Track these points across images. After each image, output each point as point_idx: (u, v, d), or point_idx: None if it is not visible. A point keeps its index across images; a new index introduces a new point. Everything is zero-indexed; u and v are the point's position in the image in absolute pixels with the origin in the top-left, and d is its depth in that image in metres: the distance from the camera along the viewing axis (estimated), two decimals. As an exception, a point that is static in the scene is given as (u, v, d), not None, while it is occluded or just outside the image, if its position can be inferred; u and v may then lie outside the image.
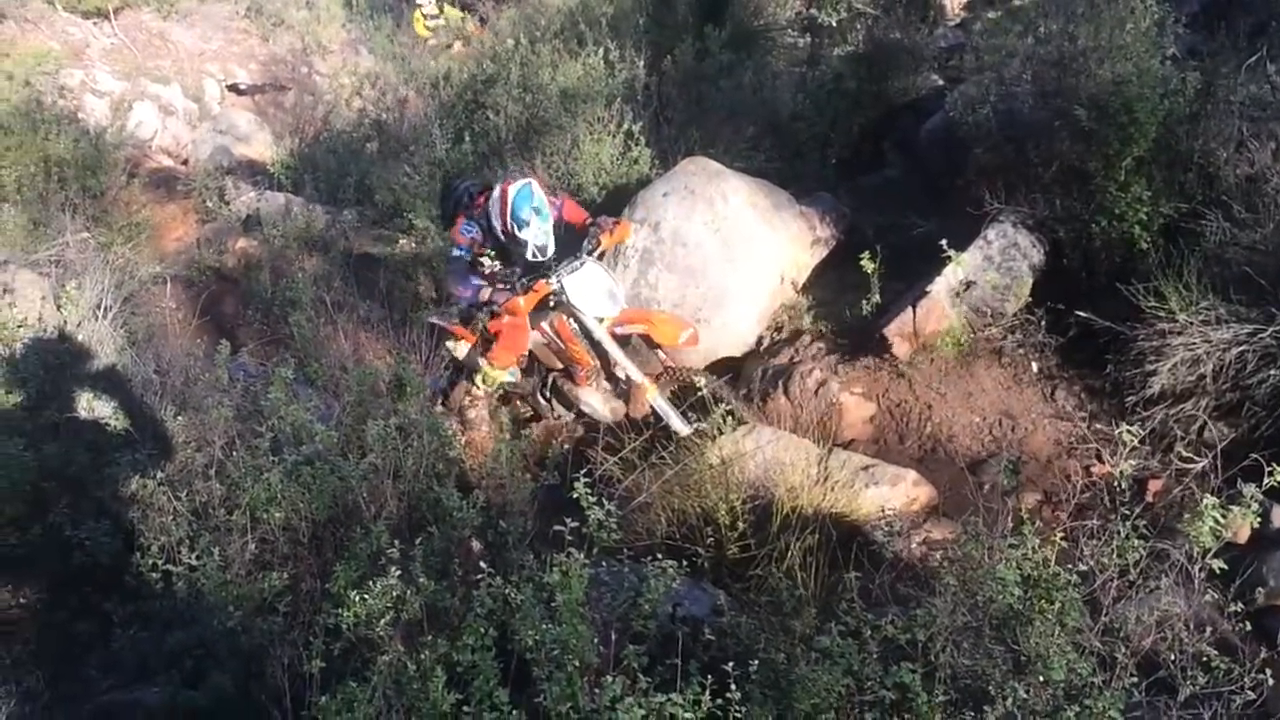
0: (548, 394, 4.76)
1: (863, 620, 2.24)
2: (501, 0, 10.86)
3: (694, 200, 4.95)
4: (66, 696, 2.83)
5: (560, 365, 4.62)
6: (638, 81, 6.36)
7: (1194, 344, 3.48)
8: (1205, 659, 2.12)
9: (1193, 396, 3.54)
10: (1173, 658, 2.18)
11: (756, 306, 4.93)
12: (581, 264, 4.25)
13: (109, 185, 7.54)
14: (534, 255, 4.15)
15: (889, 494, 3.51)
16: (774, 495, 3.30)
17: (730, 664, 2.01)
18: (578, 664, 2.05)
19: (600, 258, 4.38)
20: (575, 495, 2.51)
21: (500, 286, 4.20)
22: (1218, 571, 2.31)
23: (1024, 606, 2.20)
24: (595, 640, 2.15)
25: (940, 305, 4.22)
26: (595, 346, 4.37)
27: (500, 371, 4.47)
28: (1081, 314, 3.96)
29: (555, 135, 6.11)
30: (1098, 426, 3.78)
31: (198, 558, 2.77)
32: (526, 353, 4.60)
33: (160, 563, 2.82)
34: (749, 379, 4.64)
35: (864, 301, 4.56)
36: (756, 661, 2.13)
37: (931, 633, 2.16)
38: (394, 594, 2.28)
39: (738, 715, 1.97)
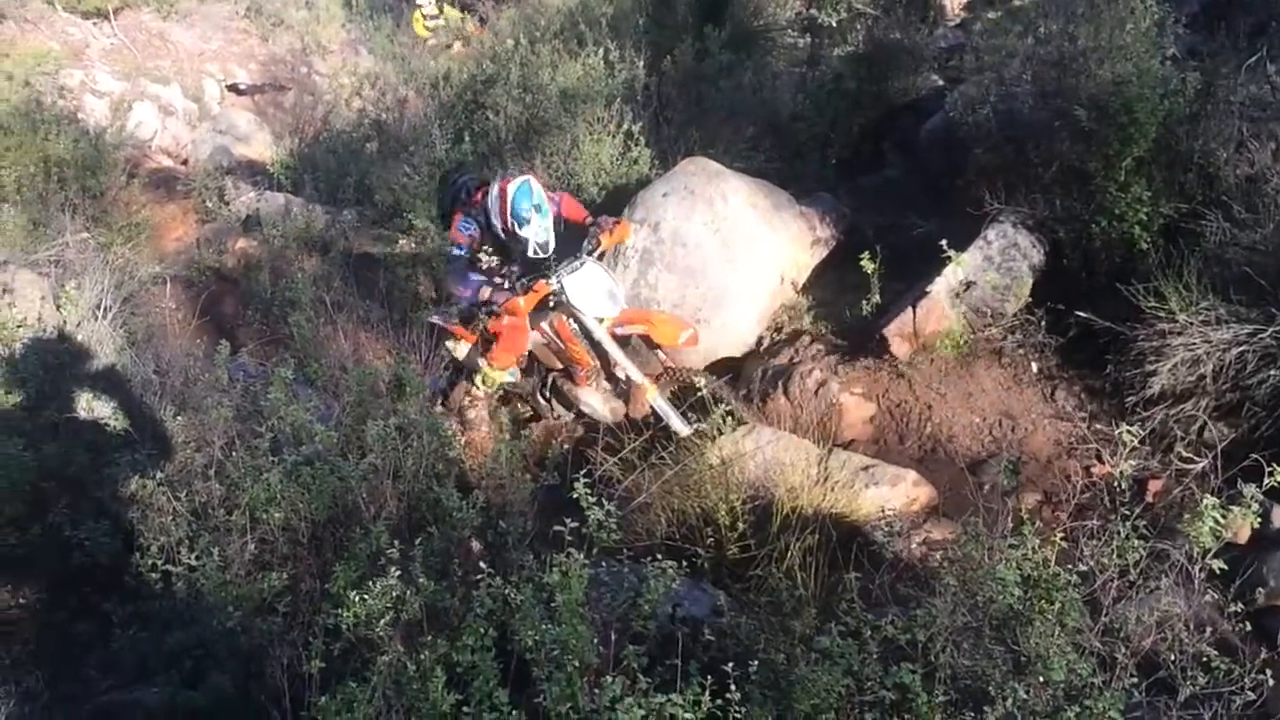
0: (547, 394, 4.76)
1: (863, 620, 2.23)
2: (501, 0, 10.86)
3: (694, 200, 4.95)
4: (66, 696, 2.83)
5: (560, 365, 4.62)
6: (637, 82, 6.36)
7: (1194, 344, 3.48)
8: (1205, 659, 2.12)
9: (1193, 397, 3.54)
10: (1173, 658, 2.18)
11: (756, 307, 4.93)
12: (581, 264, 4.25)
13: (109, 185, 7.54)
14: (535, 252, 4.15)
15: (889, 494, 3.51)
16: (774, 495, 3.30)
17: (730, 664, 2.01)
18: (578, 664, 2.04)
19: (600, 258, 4.38)
20: (575, 495, 2.51)
21: (500, 286, 4.20)
22: (1218, 572, 2.31)
23: (1024, 607, 2.20)
24: (595, 640, 2.15)
25: (940, 305, 4.22)
26: (595, 347, 4.37)
27: (500, 372, 4.47)
28: (1081, 314, 3.96)
29: (555, 135, 6.11)
30: (1098, 427, 3.78)
31: (197, 558, 2.77)
32: (526, 353, 4.60)
33: (160, 563, 2.82)
34: (749, 379, 4.64)
35: (864, 302, 4.56)
36: (756, 662, 2.12)
37: (931, 633, 2.16)
38: (394, 594, 2.28)
39: (738, 716, 1.96)
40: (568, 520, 2.32)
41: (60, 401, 3.97)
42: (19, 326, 4.30)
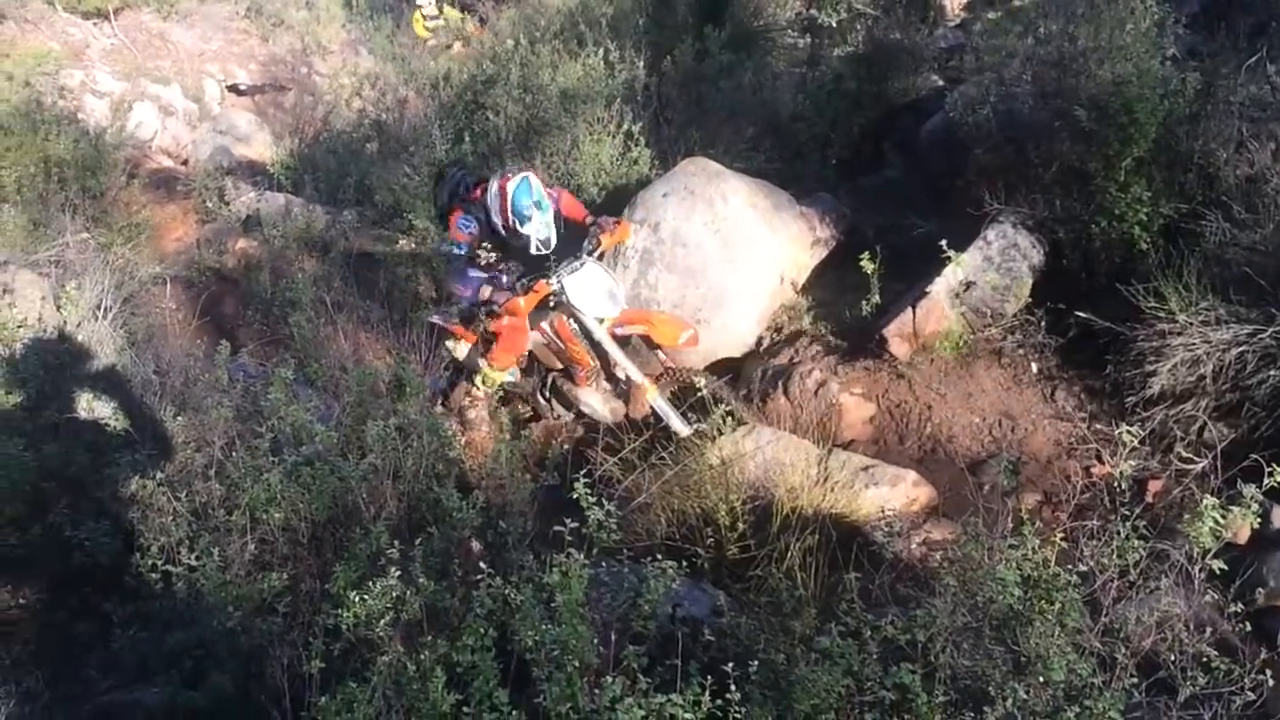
0: (548, 394, 4.76)
1: (863, 621, 2.23)
2: (501, 0, 10.86)
3: (694, 201, 4.95)
4: (66, 697, 2.83)
5: (560, 365, 4.62)
6: (637, 82, 6.36)
7: (1194, 344, 3.48)
8: (1205, 659, 2.12)
9: (1193, 397, 3.54)
10: (1173, 658, 2.18)
11: (756, 307, 4.93)
12: (582, 264, 4.25)
13: (109, 186, 7.53)
14: (537, 249, 4.17)
15: (889, 494, 3.51)
16: (774, 496, 3.30)
17: (730, 664, 2.01)
18: (577, 664, 2.04)
19: (600, 258, 4.39)
20: (575, 496, 2.51)
21: (501, 285, 4.20)
22: (1218, 572, 2.31)
23: (1024, 607, 2.20)
24: (595, 640, 2.15)
25: (940, 306, 4.22)
26: (595, 347, 4.37)
27: (499, 372, 4.48)
28: (1081, 314, 3.96)
29: (555, 136, 6.11)
30: (1098, 427, 3.78)
31: (197, 558, 2.77)
32: (526, 353, 4.60)
33: (160, 563, 2.82)
34: (749, 379, 4.64)
35: (864, 302, 4.55)
36: (756, 662, 2.12)
37: (931, 633, 2.16)
38: (394, 594, 2.28)
39: (737, 716, 1.96)
40: (568, 520, 2.32)
41: (60, 402, 3.97)
42: (19, 327, 4.30)
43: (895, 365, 4.28)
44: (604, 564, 2.75)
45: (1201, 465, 3.35)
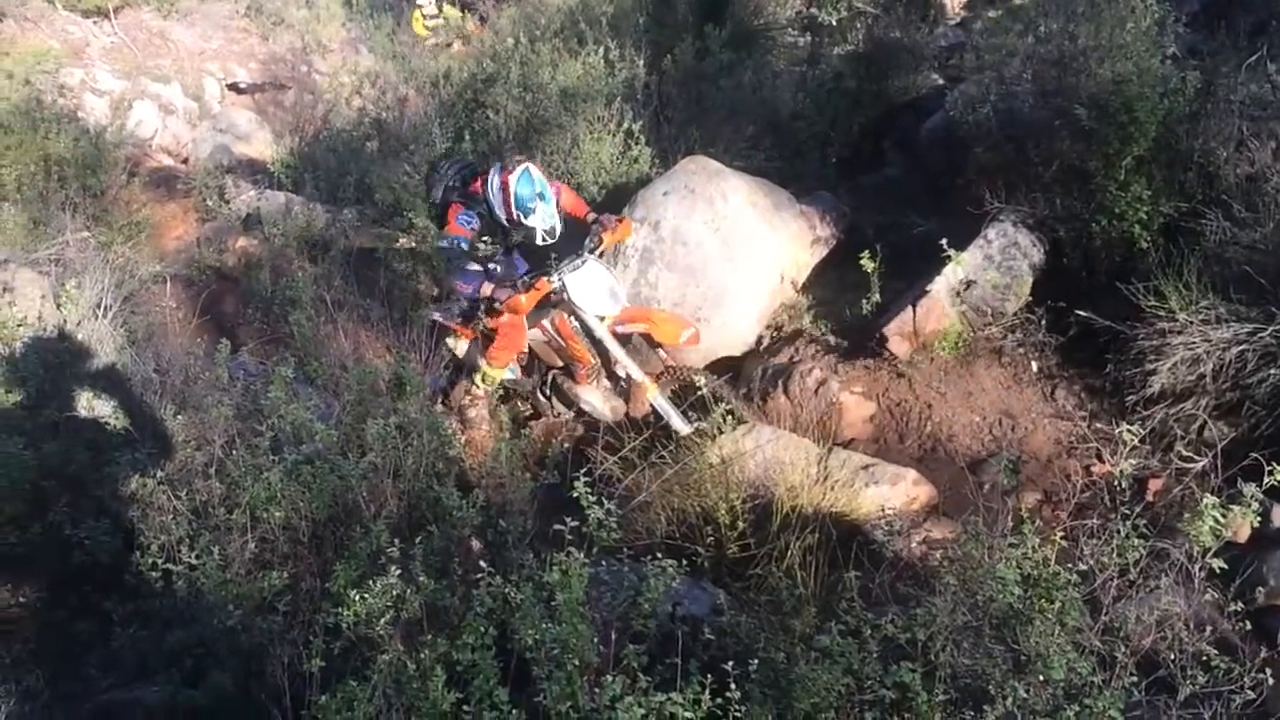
0: (548, 392, 4.76)
1: (863, 619, 2.23)
2: (501, -1, 10.86)
3: (694, 199, 4.95)
4: (66, 695, 2.83)
5: (561, 363, 4.63)
6: (638, 80, 6.36)
7: (1194, 343, 3.48)
8: (1205, 658, 2.12)
9: (1193, 396, 3.54)
10: (1173, 657, 2.18)
11: (756, 306, 4.93)
12: (583, 262, 4.25)
13: (109, 184, 7.53)
14: (543, 239, 4.19)
15: (889, 493, 3.51)
16: (774, 494, 3.30)
17: (730, 663, 2.01)
18: (578, 663, 2.04)
19: (601, 256, 4.39)
20: (575, 494, 2.51)
21: (503, 281, 4.21)
22: (1218, 571, 2.31)
23: (1024, 606, 2.20)
24: (595, 639, 2.15)
25: (940, 304, 4.22)
26: (596, 345, 4.37)
27: (499, 370, 4.48)
28: (1081, 313, 3.96)
29: (555, 134, 6.11)
30: (1098, 426, 3.78)
31: (197, 557, 2.77)
32: (525, 351, 4.60)
33: (160, 561, 2.82)
34: (749, 378, 4.64)
35: (864, 301, 4.55)
36: (756, 661, 2.12)
37: (931, 632, 2.16)
38: (394, 593, 2.28)
39: (737, 715, 1.96)
40: (568, 519, 2.32)
41: (60, 400, 3.96)
42: (19, 325, 4.29)
43: (895, 364, 4.28)
44: (604, 563, 2.74)
45: (1202, 464, 3.35)
